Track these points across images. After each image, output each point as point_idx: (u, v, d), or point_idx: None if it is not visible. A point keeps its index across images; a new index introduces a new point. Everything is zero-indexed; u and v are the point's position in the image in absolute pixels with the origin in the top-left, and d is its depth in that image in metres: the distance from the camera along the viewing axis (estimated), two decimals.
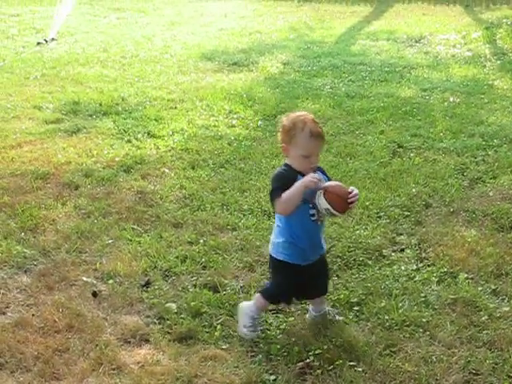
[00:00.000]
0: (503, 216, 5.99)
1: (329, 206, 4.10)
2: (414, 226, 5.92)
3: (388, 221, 6.00)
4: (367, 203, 6.27)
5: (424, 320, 4.55)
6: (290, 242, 4.23)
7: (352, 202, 4.11)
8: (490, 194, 6.50)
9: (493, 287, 4.94)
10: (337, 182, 4.28)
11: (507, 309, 4.66)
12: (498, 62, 12.20)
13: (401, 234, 5.77)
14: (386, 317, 4.58)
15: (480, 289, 4.92)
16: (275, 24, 15.90)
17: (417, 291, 4.88)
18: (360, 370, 4.07)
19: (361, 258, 5.35)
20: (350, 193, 4.11)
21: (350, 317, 4.61)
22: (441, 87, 10.41)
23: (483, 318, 4.54)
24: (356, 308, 4.70)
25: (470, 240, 5.60)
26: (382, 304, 4.71)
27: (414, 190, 6.55)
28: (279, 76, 11.18)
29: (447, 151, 7.65)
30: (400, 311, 4.62)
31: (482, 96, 9.94)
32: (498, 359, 4.15)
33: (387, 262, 5.32)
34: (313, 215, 4.21)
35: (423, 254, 5.45)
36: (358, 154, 7.59)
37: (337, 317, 4.55)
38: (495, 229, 5.83)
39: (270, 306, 4.62)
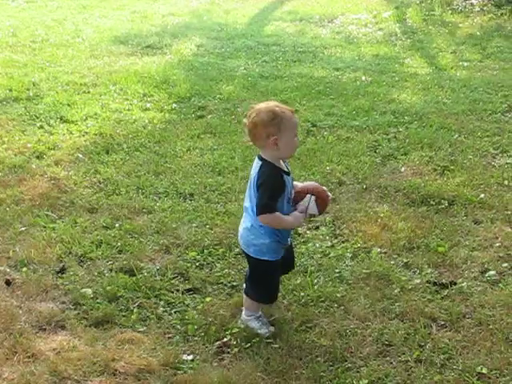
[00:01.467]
0: (414, 191, 6.13)
1: (317, 212, 4.17)
2: None
3: None
4: None
5: (338, 295, 4.63)
6: (276, 242, 4.15)
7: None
8: (402, 169, 6.64)
9: (405, 260, 5.06)
10: (316, 184, 4.28)
11: (418, 281, 4.78)
12: (408, 40, 12.44)
13: None
14: (302, 293, 4.64)
15: (392, 262, 5.03)
16: (188, 6, 15.80)
17: (331, 267, 4.95)
18: (277, 346, 4.12)
19: None
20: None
21: None
22: (353, 66, 10.56)
23: (395, 291, 4.65)
24: None
25: (382, 215, 5.71)
26: (298, 281, 4.77)
27: (327, 168, 6.64)
28: (193, 58, 11.13)
29: (360, 129, 7.77)
30: (315, 287, 4.69)
31: (393, 74, 10.13)
32: (409, 330, 4.25)
33: (302, 240, 5.38)
34: (288, 207, 4.16)
35: (337, 231, 5.54)
36: None
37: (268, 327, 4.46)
38: (406, 204, 5.96)
39: (187, 286, 4.67)
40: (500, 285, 4.75)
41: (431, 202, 5.93)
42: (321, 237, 5.43)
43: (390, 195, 6.12)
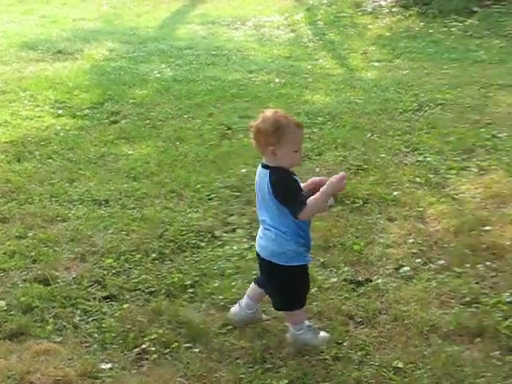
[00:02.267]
0: None
1: (333, 202, 4.05)
2: (245, 205, 6.00)
3: (219, 202, 6.06)
4: (198, 186, 6.31)
5: None
6: (302, 246, 4.07)
7: None
8: (317, 170, 6.70)
9: (321, 260, 5.10)
10: (325, 178, 4.11)
11: (335, 280, 4.84)
12: (320, 42, 12.60)
13: (232, 215, 5.84)
14: (220, 296, 4.64)
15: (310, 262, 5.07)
16: (99, 10, 15.65)
17: (249, 269, 4.95)
18: (196, 350, 4.11)
19: (193, 241, 5.38)
20: None
21: (185, 299, 4.63)
22: (266, 68, 10.62)
23: (313, 290, 4.65)
24: (190, 290, 4.73)
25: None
26: (216, 284, 4.77)
27: (243, 171, 6.65)
28: (105, 63, 11.01)
29: None
30: (233, 290, 4.69)
31: (306, 76, 10.23)
32: (327, 328, 4.29)
33: (219, 243, 5.38)
34: None
35: (254, 233, 5.43)
36: (188, 137, 7.62)
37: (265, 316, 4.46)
38: None
39: (104, 293, 4.62)
40: (414, 280, 4.85)
41: (346, 202, 6.00)
42: (238, 239, 5.44)
43: None
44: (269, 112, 4.01)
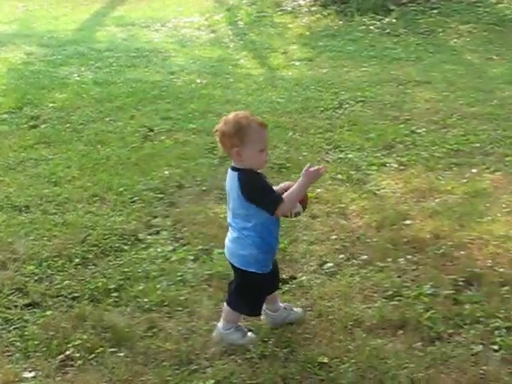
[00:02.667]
0: None
1: (301, 209, 4.07)
2: (169, 207, 5.99)
3: (142, 205, 6.02)
4: (121, 189, 6.26)
5: (182, 298, 4.63)
6: (264, 253, 4.05)
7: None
8: None
9: None
10: (291, 182, 4.12)
11: None
12: (241, 42, 12.64)
13: (156, 217, 5.82)
14: (145, 299, 4.61)
15: None
16: (15, 13, 15.37)
17: (174, 271, 4.95)
18: (121, 354, 4.07)
19: (117, 244, 5.34)
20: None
21: (109, 304, 4.59)
22: (187, 69, 10.60)
23: None
24: (114, 294, 4.68)
25: (222, 216, 5.72)
26: (141, 287, 4.74)
27: (166, 173, 6.63)
28: (23, 67, 10.82)
29: (197, 131, 7.81)
30: (158, 292, 4.68)
31: (228, 76, 10.26)
32: (253, 326, 4.31)
33: (143, 246, 5.35)
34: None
35: (178, 234, 5.54)
36: (110, 140, 7.55)
37: (294, 309, 4.43)
38: None
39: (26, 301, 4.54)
40: (337, 276, 4.90)
41: None
42: (162, 241, 5.42)
43: None
44: (230, 114, 4.01)
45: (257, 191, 3.94)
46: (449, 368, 3.93)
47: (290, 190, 3.94)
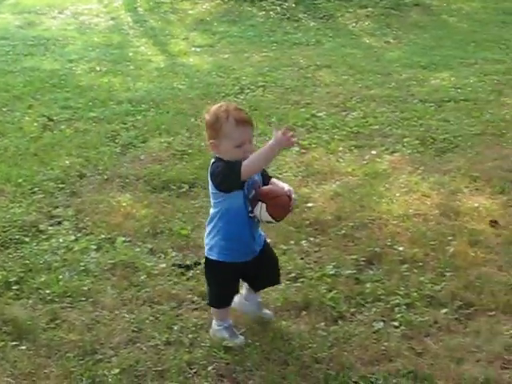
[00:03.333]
0: (155, 177, 6.19)
1: (271, 219, 3.89)
2: (70, 197, 5.91)
3: (43, 195, 5.91)
4: (20, 180, 6.13)
5: (85, 288, 4.58)
6: (226, 240, 3.93)
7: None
8: (142, 157, 6.68)
9: (150, 247, 5.10)
10: (272, 187, 3.96)
11: (164, 265, 4.85)
12: (141, 28, 12.54)
13: (57, 207, 5.72)
14: (48, 291, 4.53)
15: (137, 250, 5.05)
16: None
17: (76, 261, 4.89)
18: (23, 347, 3.99)
19: (17, 236, 5.23)
20: (290, 198, 3.89)
21: (10, 297, 4.49)
22: (87, 57, 10.44)
23: (142, 278, 4.68)
24: (15, 287, 4.59)
25: (125, 204, 5.72)
26: (42, 279, 4.66)
27: (67, 162, 6.53)
28: None
29: (98, 120, 7.71)
30: (61, 283, 4.61)
31: (128, 63, 10.16)
32: (158, 314, 4.30)
33: (45, 237, 5.25)
34: (251, 212, 3.91)
35: (81, 224, 5.46)
36: (7, 131, 7.38)
37: (266, 311, 4.29)
38: (148, 191, 6.01)
39: None
40: None
41: (172, 187, 6.03)
42: (64, 232, 5.33)
43: (132, 184, 6.14)
44: (217, 105, 3.96)
45: (219, 171, 3.82)
46: (351, 346, 4.01)
47: (258, 151, 3.79)
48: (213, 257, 4.01)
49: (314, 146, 6.95)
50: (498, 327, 4.16)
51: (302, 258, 4.96)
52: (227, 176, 3.79)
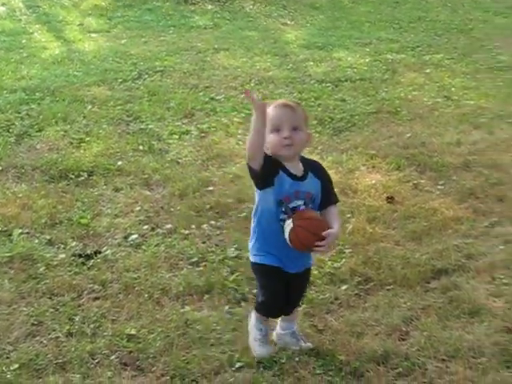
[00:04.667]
0: (52, 167, 6.07)
1: (287, 237, 3.59)
2: None
3: None
4: None
5: None
6: (260, 240, 3.69)
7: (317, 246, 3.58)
8: (38, 147, 6.54)
9: (48, 237, 5.00)
10: (314, 222, 3.65)
11: (63, 256, 4.76)
12: (34, 14, 12.22)
13: None
14: None
15: (36, 241, 4.94)
16: None
17: None
18: None
19: None
20: (318, 240, 3.56)
21: None
22: None
23: (41, 269, 4.59)
24: None
25: (21, 195, 5.59)
26: None
27: None
28: None
29: None
30: None
31: (21, 50, 9.90)
32: (58, 305, 4.23)
33: None
34: (282, 220, 3.63)
35: None
36: None
37: (302, 342, 3.90)
38: (45, 180, 5.89)
39: None
40: (143, 247, 4.90)
41: (70, 176, 5.93)
42: None
43: (28, 174, 6.00)
44: None
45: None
46: None
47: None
48: (255, 260, 3.78)
49: (213, 129, 6.95)
50: (395, 300, 4.27)
51: (203, 242, 4.97)
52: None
